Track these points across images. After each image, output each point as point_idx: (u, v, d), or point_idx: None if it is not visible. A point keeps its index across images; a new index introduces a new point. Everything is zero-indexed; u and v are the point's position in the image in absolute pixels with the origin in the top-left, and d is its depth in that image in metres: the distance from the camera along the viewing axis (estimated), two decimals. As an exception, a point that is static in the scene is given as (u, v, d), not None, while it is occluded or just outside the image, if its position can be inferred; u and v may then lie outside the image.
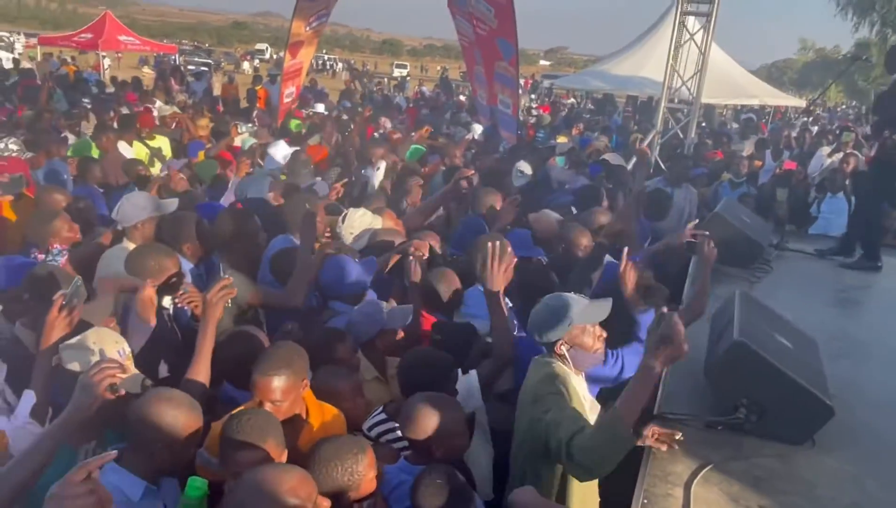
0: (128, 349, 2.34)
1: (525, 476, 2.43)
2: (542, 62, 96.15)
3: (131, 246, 3.41)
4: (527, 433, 2.37)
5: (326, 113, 12.59)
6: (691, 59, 8.82)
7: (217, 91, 18.11)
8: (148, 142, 7.39)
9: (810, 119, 20.18)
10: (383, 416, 2.56)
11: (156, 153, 7.30)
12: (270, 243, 3.75)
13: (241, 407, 2.22)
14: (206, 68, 26.02)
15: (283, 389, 2.27)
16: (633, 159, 8.78)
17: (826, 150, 7.95)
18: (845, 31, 35.22)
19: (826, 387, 3.09)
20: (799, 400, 2.96)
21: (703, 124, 15.43)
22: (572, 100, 24.28)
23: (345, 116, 12.49)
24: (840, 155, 7.28)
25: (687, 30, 8.62)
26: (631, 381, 2.10)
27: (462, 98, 20.34)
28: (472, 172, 5.12)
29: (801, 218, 6.93)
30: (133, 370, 2.27)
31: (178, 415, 1.98)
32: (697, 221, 4.76)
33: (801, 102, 19.79)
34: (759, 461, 2.91)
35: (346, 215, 3.96)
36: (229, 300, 2.48)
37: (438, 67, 54.27)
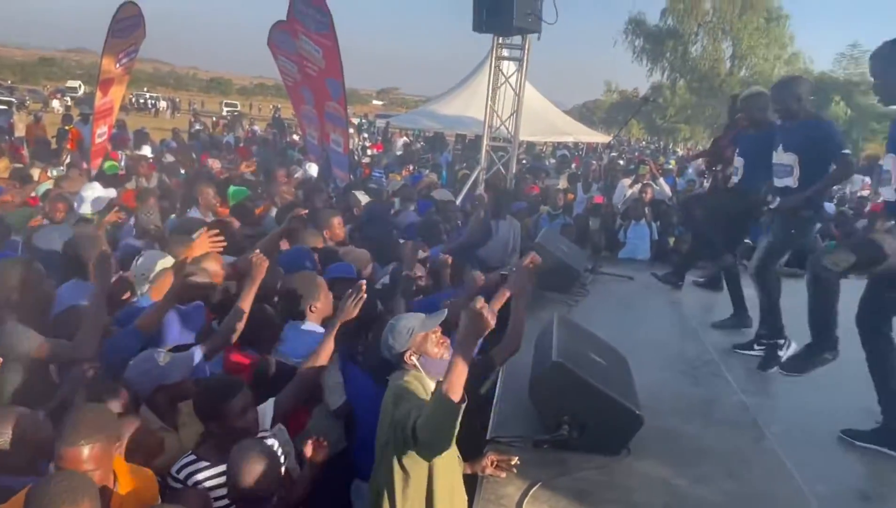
0: None
1: (391, 479, 2.43)
2: (375, 102, 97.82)
3: None
4: (390, 435, 2.41)
5: (153, 155, 11.87)
6: (509, 100, 9.40)
7: (21, 131, 16.43)
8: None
9: (617, 154, 22.31)
10: (192, 457, 2.49)
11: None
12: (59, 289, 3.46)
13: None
14: (5, 106, 23.54)
15: (95, 457, 2.08)
16: (462, 194, 9.19)
17: (627, 181, 8.81)
18: (642, 75, 39.44)
19: (636, 398, 3.35)
20: (613, 413, 3.19)
21: (524, 161, 16.47)
22: (405, 138, 24.86)
23: (169, 157, 11.86)
24: (639, 186, 8.10)
25: (502, 73, 9.20)
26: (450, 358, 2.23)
27: (296, 137, 20.12)
28: (305, 211, 5.07)
29: (611, 244, 7.58)
30: None
31: None
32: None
33: (610, 138, 21.82)
34: (583, 474, 3.07)
35: (140, 256, 3.73)
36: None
37: (271, 106, 53.29)
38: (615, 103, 50.56)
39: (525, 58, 8.86)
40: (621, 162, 16.54)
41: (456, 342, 2.21)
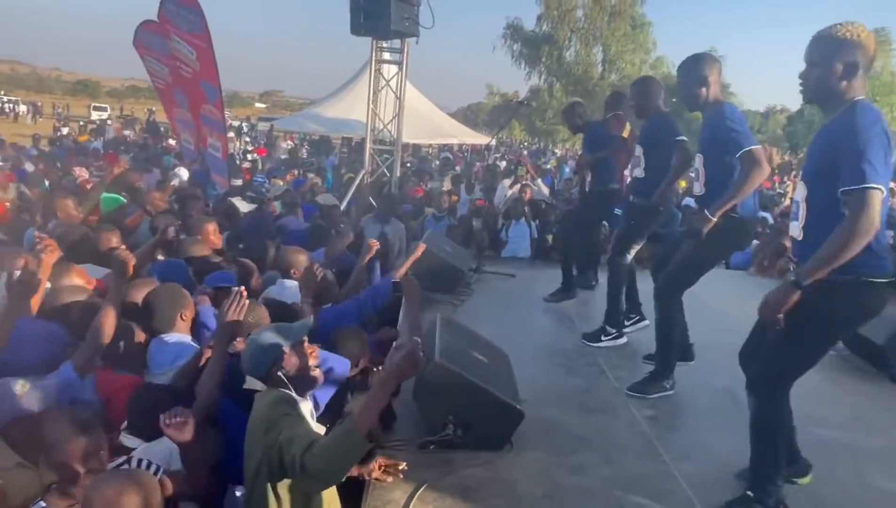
0: None
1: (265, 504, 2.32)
2: (258, 104, 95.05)
3: None
4: (261, 463, 2.28)
5: (7, 163, 10.92)
6: (392, 102, 9.41)
7: None
8: None
9: (499, 155, 22.96)
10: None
11: None
12: None
13: None
14: None
15: None
16: (347, 198, 9.10)
17: (507, 182, 9.08)
18: (522, 78, 40.69)
19: (516, 394, 3.46)
20: (495, 409, 3.27)
21: (409, 164, 16.55)
22: (289, 143, 24.31)
23: (29, 166, 10.97)
24: (518, 186, 8.37)
25: (383, 76, 9.20)
26: (369, 392, 2.21)
27: (172, 142, 19.15)
28: (179, 222, 4.85)
29: (494, 243, 7.78)
30: None
31: None
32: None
33: (493, 140, 22.38)
34: (468, 472, 3.13)
35: None
36: None
37: (145, 109, 50.36)
38: (497, 106, 51.89)
39: (405, 61, 8.91)
40: (503, 163, 17.02)
41: (379, 380, 2.16)
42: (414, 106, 17.46)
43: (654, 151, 4.57)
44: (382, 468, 2.87)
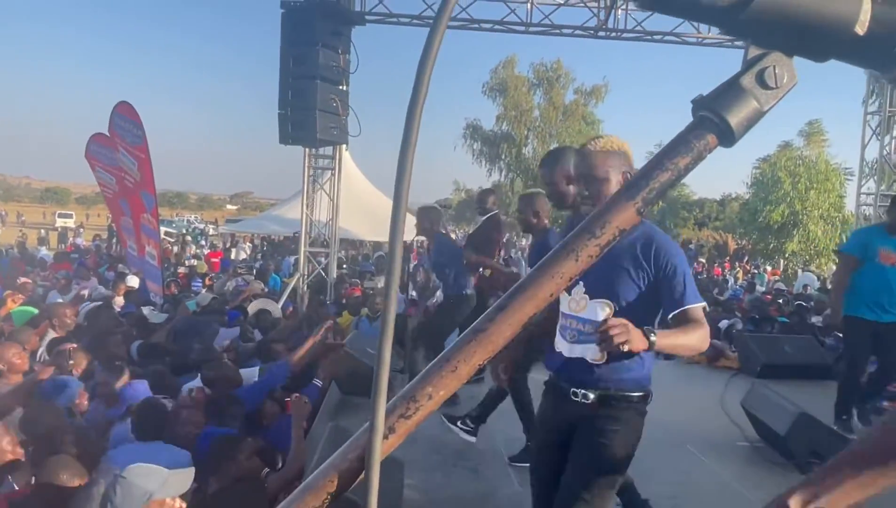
0: None
1: None
2: (229, 206, 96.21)
3: None
4: None
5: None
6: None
7: None
8: None
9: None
10: None
11: None
12: None
13: None
14: None
15: None
16: (281, 302, 9.09)
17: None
18: (483, 175, 41.81)
19: (398, 504, 3.39)
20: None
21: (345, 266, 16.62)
22: (248, 244, 24.48)
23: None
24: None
25: (317, 182, 9.46)
26: None
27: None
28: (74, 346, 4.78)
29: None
30: None
31: None
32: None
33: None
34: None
35: None
36: None
37: (108, 216, 50.40)
38: (462, 201, 53.01)
39: (337, 166, 9.21)
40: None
41: None
42: (374, 205, 17.89)
43: None
44: None
